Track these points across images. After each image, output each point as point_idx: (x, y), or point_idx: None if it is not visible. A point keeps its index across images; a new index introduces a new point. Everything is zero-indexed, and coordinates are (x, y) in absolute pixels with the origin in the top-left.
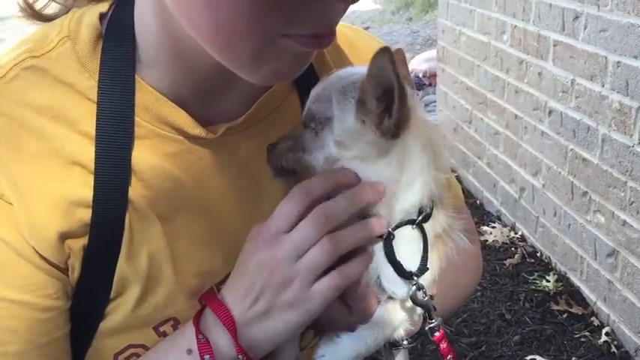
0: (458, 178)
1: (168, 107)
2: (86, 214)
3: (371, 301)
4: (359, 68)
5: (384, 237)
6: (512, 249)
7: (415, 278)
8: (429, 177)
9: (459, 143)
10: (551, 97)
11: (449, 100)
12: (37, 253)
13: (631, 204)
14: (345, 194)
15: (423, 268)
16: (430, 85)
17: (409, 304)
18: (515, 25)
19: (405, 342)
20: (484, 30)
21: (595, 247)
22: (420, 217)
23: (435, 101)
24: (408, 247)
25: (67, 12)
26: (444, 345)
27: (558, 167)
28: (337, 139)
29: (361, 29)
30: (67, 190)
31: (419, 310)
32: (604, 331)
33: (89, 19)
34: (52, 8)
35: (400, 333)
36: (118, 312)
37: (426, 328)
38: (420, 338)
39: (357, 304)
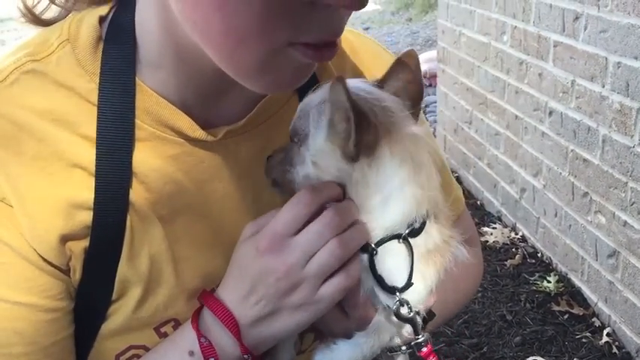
0: (458, 179)
1: (168, 110)
2: (87, 217)
3: (368, 309)
4: (349, 81)
5: (368, 252)
6: (513, 250)
7: (398, 294)
8: (411, 192)
9: (459, 144)
10: (552, 98)
11: (449, 100)
12: (39, 255)
13: (632, 204)
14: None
15: (408, 284)
16: (430, 85)
17: (395, 319)
18: (516, 26)
19: (404, 347)
20: (484, 31)
21: (596, 247)
22: (406, 232)
23: (435, 102)
24: (392, 261)
25: (66, 15)
26: None
27: (559, 168)
28: (312, 158)
29: (363, 33)
30: (68, 192)
31: (407, 326)
32: (605, 331)
33: (89, 22)
34: (52, 12)
35: (397, 341)
36: (119, 313)
37: (412, 343)
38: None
39: (354, 311)
